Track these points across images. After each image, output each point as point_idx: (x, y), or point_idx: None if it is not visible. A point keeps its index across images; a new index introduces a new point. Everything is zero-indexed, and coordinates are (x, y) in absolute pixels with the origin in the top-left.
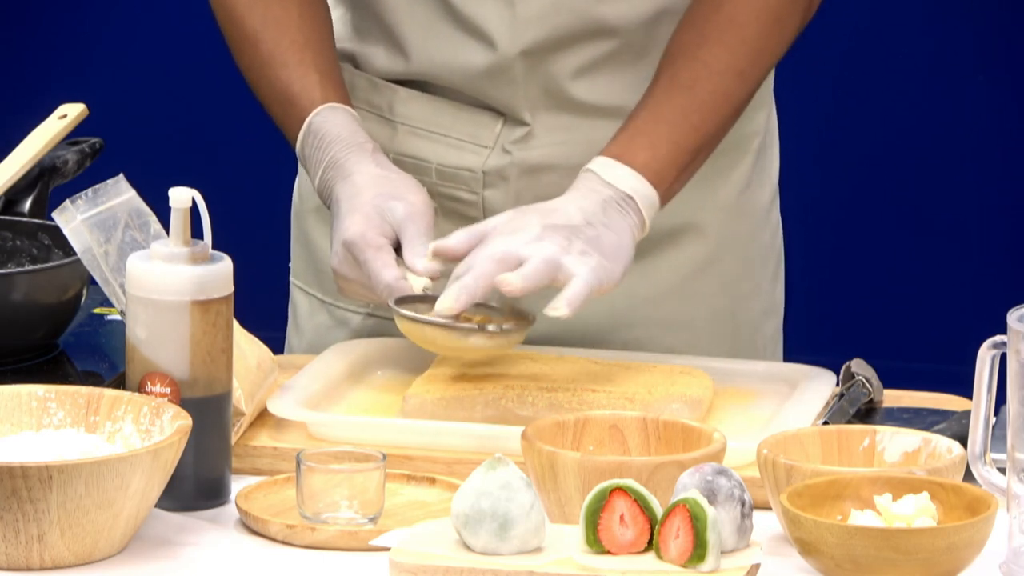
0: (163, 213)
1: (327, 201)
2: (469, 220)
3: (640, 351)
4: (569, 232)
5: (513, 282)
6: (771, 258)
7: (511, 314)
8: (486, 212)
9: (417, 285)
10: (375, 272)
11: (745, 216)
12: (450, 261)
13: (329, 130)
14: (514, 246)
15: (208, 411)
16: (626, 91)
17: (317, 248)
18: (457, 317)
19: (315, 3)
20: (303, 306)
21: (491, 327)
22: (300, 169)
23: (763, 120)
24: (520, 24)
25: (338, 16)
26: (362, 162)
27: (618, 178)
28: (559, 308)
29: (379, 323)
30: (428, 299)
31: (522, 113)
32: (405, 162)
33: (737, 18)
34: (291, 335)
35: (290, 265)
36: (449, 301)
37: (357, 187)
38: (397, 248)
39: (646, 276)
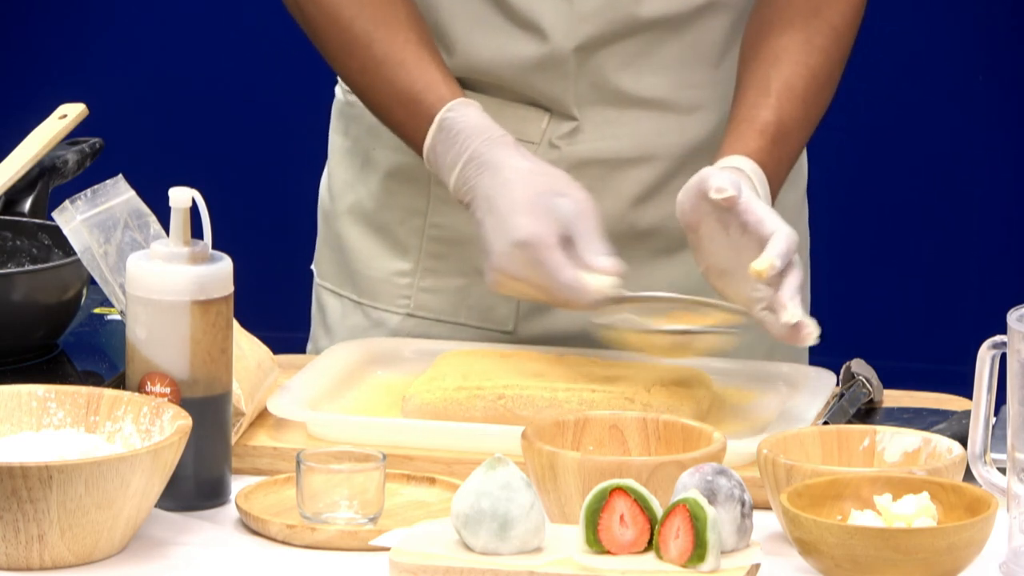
0: (163, 213)
1: (466, 197)
2: None
3: None
4: None
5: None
6: (802, 257)
7: (723, 309)
8: None
9: (601, 283)
10: (554, 272)
11: (781, 214)
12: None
13: (465, 125)
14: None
15: (208, 411)
16: (670, 83)
17: (351, 249)
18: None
19: (414, 3)
20: (334, 308)
21: (717, 327)
22: (328, 168)
23: None
24: (577, 19)
25: None
26: (508, 155)
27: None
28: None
29: (419, 323)
30: (618, 300)
31: (570, 107)
32: None
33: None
34: (319, 338)
35: (313, 267)
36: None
37: (509, 182)
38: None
39: (685, 274)
